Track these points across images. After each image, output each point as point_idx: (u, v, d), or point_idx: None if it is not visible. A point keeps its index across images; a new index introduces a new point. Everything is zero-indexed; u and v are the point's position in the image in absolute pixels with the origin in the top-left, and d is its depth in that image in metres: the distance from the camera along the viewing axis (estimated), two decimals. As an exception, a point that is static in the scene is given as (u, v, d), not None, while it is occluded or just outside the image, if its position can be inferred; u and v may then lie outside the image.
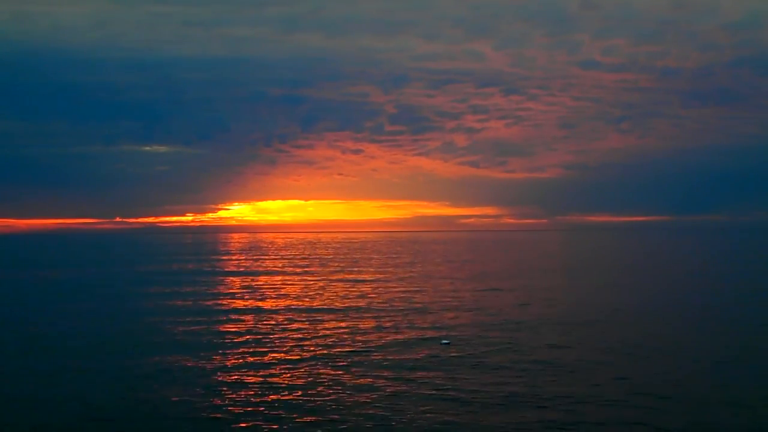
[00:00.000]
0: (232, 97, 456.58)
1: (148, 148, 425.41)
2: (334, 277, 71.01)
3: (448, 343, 31.05)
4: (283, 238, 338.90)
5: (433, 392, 22.89)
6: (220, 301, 49.66)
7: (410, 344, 31.23)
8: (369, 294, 53.38)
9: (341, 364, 27.35)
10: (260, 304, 47.64)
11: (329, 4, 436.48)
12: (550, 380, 24.38)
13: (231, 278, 72.08)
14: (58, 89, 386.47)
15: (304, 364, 27.29)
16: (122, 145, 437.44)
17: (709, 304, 46.29)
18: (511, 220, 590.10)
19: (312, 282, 65.42)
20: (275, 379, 24.86)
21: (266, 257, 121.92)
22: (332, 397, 22.48)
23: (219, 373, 25.94)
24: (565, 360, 27.71)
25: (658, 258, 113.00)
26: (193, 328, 36.91)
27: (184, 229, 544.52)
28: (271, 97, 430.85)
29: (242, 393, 23.07)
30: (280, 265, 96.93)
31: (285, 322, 38.35)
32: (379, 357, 28.52)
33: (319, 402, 21.91)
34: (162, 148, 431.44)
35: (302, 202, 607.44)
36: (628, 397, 22.16)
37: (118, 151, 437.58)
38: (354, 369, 26.36)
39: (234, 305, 47.14)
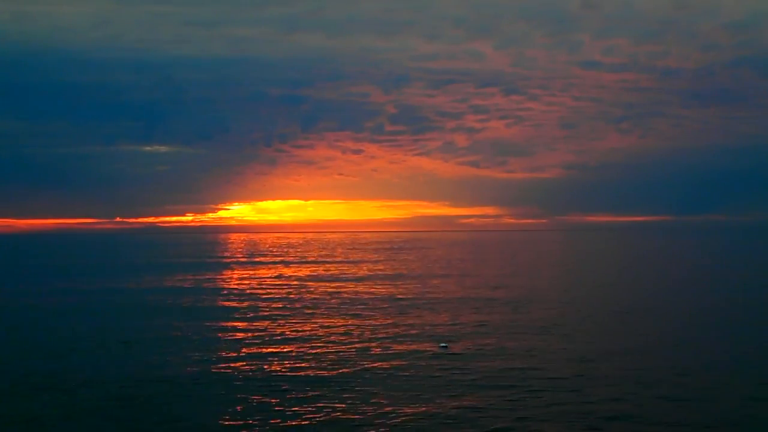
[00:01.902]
0: (232, 97, 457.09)
1: (148, 148, 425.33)
2: (331, 278, 71.36)
3: (446, 347, 31.38)
4: (282, 238, 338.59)
5: (432, 397, 23.23)
6: (221, 305, 50.05)
7: (408, 348, 31.54)
8: (367, 296, 53.68)
9: (336, 369, 27.67)
10: (257, 304, 47.90)
11: (330, 4, 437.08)
12: (548, 382, 24.76)
13: (231, 281, 72.43)
14: (58, 89, 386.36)
15: (293, 372, 27.63)
16: (122, 145, 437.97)
17: (709, 303, 46.64)
18: (512, 220, 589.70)
19: (308, 283, 65.74)
20: (271, 384, 25.24)
21: (266, 258, 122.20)
22: (328, 403, 22.83)
23: (220, 380, 26.33)
24: (565, 361, 28.04)
25: (659, 258, 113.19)
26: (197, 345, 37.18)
27: (184, 229, 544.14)
28: (271, 97, 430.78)
29: (242, 395, 23.45)
30: (278, 266, 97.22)
31: (279, 325, 38.69)
32: (376, 361, 28.85)
33: (310, 411, 22.25)
34: (162, 148, 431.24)
35: (302, 202, 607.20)
36: (636, 397, 22.57)
37: (118, 151, 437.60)
38: (351, 373, 26.70)
39: (232, 308, 47.53)
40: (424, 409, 21.70)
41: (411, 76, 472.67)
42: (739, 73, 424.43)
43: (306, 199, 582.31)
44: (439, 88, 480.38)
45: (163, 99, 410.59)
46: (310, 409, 21.85)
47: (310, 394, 23.57)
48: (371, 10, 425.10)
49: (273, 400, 22.90)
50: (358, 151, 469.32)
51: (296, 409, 21.87)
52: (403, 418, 20.80)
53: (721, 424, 20.45)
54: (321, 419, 20.86)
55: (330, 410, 21.69)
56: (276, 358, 29.47)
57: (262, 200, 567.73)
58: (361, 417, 21.00)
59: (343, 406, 22.14)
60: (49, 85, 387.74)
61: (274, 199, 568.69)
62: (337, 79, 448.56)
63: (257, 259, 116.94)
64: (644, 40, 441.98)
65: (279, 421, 20.75)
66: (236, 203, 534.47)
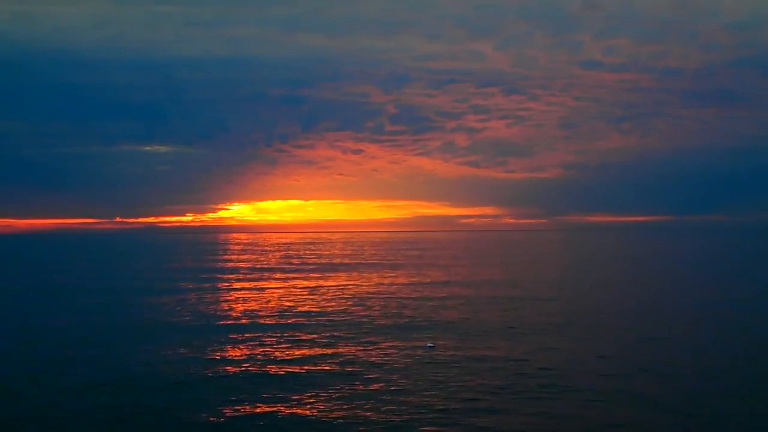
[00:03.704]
0: (232, 97, 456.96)
1: (148, 148, 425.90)
2: (322, 280, 71.07)
3: (433, 347, 30.97)
4: (282, 238, 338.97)
5: (421, 399, 22.84)
6: (221, 308, 49.75)
7: (394, 348, 31.19)
8: (356, 297, 53.35)
9: (327, 370, 27.37)
10: (251, 307, 47.67)
11: (330, 5, 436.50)
12: (535, 384, 24.40)
13: (228, 283, 72.27)
14: (58, 89, 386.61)
15: (281, 374, 27.29)
16: (122, 145, 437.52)
17: (709, 303, 46.38)
18: (511, 220, 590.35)
19: (300, 285, 65.47)
20: (263, 385, 24.89)
21: (264, 259, 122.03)
22: (320, 406, 22.48)
23: (217, 383, 25.97)
24: (557, 363, 27.67)
25: (658, 258, 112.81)
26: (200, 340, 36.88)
27: (184, 229, 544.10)
28: (271, 97, 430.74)
29: (238, 398, 23.13)
30: (275, 267, 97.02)
31: (270, 327, 38.40)
32: (365, 362, 28.52)
33: (303, 413, 21.86)
34: (162, 148, 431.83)
35: (302, 202, 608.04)
36: (631, 397, 22.29)
37: (118, 151, 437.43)
38: (340, 376, 26.38)
39: (228, 311, 47.17)
40: (412, 407, 21.38)
41: (411, 76, 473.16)
42: (739, 73, 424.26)
43: (306, 199, 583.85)
44: (440, 88, 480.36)
45: (163, 99, 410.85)
46: (297, 408, 21.51)
47: (302, 393, 23.28)
48: (371, 10, 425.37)
49: (265, 395, 22.58)
50: (358, 151, 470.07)
51: (274, 414, 21.55)
52: (391, 416, 20.44)
53: (719, 422, 20.10)
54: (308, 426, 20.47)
55: (318, 415, 21.34)
56: (263, 359, 29.17)
57: (262, 200, 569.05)
58: (346, 422, 20.64)
59: (325, 411, 21.81)
60: (49, 85, 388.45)
61: (274, 199, 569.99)
62: (337, 79, 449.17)
63: (255, 261, 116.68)
64: (644, 40, 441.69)
65: (274, 420, 20.48)
66: (236, 203, 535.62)
